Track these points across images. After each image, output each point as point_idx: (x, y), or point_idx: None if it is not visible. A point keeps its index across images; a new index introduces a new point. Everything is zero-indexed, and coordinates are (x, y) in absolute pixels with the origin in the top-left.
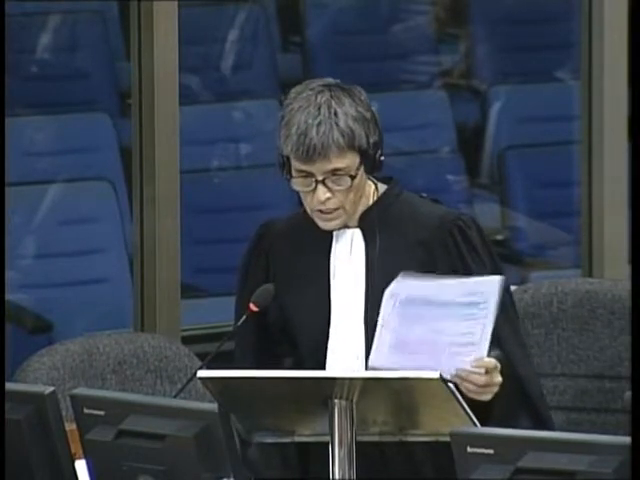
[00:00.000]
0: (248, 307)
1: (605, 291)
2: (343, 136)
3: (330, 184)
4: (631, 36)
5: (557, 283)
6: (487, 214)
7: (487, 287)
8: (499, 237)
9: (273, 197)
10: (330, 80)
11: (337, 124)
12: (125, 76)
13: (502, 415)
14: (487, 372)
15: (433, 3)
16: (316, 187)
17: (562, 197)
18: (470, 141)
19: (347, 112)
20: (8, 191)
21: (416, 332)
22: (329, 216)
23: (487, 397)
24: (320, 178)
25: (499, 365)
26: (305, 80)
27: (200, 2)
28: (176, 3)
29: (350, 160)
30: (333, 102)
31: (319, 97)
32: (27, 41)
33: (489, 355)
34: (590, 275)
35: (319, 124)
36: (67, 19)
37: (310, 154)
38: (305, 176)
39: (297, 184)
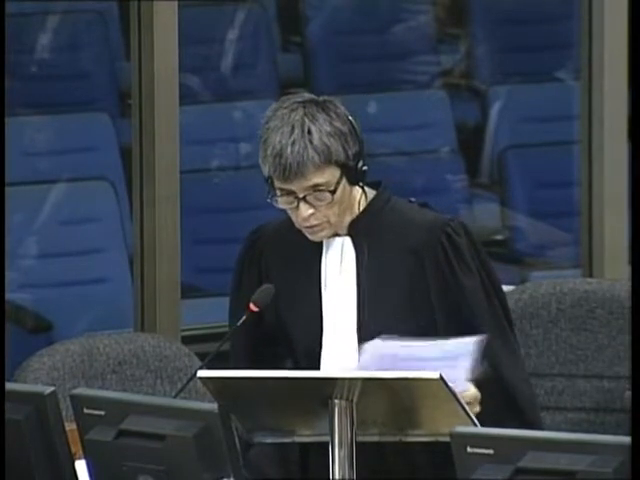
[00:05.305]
0: (248, 307)
1: (603, 291)
2: (318, 154)
3: (312, 200)
4: (631, 36)
5: (555, 283)
6: (487, 214)
7: (462, 349)
8: (499, 237)
9: None
10: (305, 95)
11: (311, 142)
12: (125, 76)
13: (487, 420)
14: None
15: (433, 3)
16: (298, 205)
17: (562, 197)
18: (470, 141)
19: (321, 128)
20: (8, 191)
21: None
22: (315, 229)
23: None
24: (301, 195)
25: (479, 396)
26: (305, 80)
27: (200, 2)
28: (176, 3)
29: (329, 175)
30: (307, 119)
31: (292, 115)
32: (27, 41)
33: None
34: (590, 275)
35: (293, 143)
36: (67, 19)
37: (287, 174)
38: (287, 194)
39: (281, 202)
